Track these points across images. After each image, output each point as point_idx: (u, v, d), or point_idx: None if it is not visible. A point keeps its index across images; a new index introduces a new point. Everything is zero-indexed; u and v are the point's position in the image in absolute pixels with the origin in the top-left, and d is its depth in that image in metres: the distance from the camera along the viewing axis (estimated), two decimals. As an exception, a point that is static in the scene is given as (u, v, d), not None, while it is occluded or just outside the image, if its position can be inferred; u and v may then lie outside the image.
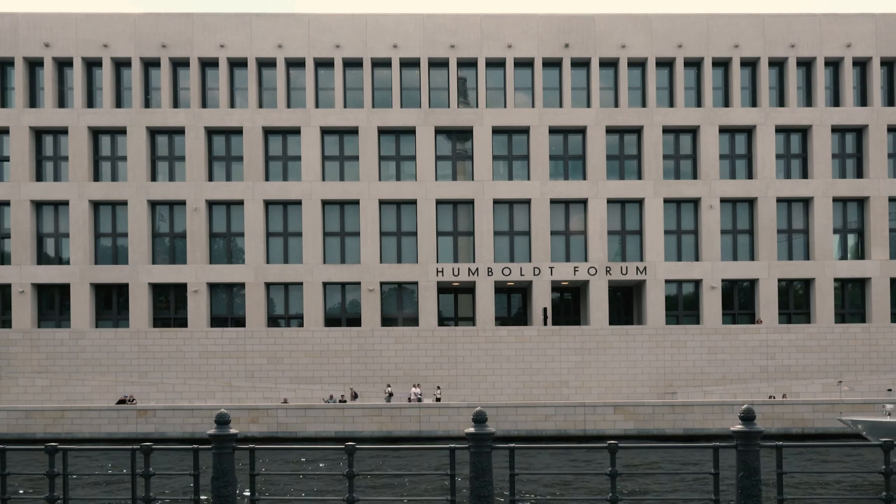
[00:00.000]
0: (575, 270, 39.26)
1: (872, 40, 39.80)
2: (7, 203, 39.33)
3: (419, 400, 35.11)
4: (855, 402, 32.00)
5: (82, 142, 39.18)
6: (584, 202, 40.00)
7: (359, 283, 39.60)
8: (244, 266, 39.46)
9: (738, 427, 7.63)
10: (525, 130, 40.14)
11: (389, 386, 36.34)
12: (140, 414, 32.80)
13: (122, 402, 35.05)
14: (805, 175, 40.47)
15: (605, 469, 7.90)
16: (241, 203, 39.72)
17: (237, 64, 40.12)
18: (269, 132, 40.24)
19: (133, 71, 39.46)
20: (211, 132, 40.20)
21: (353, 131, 39.99)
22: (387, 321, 40.06)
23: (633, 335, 38.03)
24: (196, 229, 39.33)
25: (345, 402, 35.16)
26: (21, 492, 18.73)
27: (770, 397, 35.04)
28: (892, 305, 39.75)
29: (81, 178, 39.13)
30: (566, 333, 38.08)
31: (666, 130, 40.21)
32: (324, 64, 40.21)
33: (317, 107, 40.17)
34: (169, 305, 40.50)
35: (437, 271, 39.23)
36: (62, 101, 40.10)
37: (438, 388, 36.49)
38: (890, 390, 24.98)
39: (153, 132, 40.12)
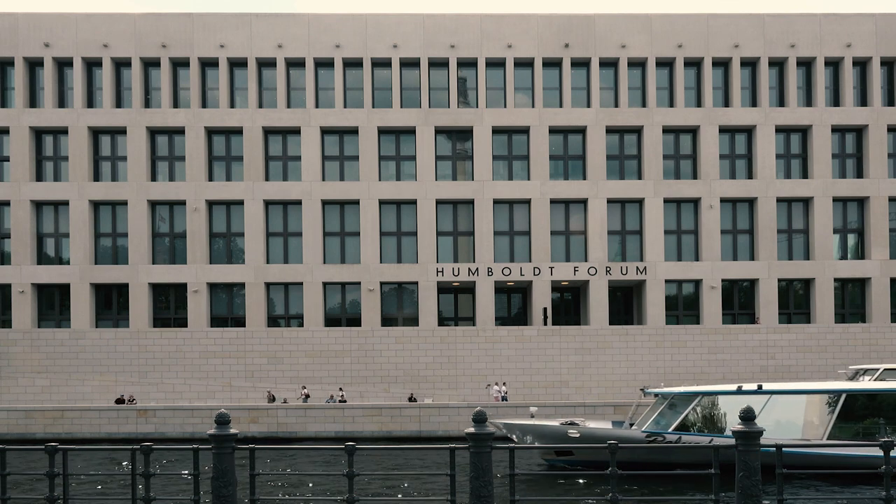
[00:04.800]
0: (575, 270, 39.26)
1: (872, 40, 39.79)
2: (7, 203, 39.32)
3: (504, 398, 35.00)
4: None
5: (82, 142, 39.18)
6: (584, 202, 39.99)
7: (359, 283, 39.59)
8: (244, 266, 39.45)
9: (738, 427, 7.64)
10: (525, 130, 40.13)
11: (305, 388, 36.16)
12: (140, 414, 32.80)
13: (119, 401, 35.02)
14: (805, 175, 40.47)
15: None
16: (241, 203, 39.71)
17: (237, 64, 40.12)
18: (269, 132, 40.24)
19: (133, 71, 39.46)
20: (211, 132, 40.20)
21: (353, 131, 39.99)
22: (387, 321, 40.05)
23: (633, 335, 38.03)
24: (196, 229, 39.32)
25: (344, 401, 35.15)
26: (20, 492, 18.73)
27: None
28: (892, 305, 39.75)
29: (81, 178, 39.13)
30: (566, 333, 38.08)
31: (666, 130, 40.20)
32: (324, 64, 40.20)
33: (317, 107, 40.16)
34: (169, 305, 40.50)
35: (437, 271, 39.22)
36: (62, 101, 40.10)
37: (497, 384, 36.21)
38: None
39: (153, 132, 40.12)
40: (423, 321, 39.01)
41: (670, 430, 23.14)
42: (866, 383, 25.11)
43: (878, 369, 25.97)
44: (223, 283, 40.04)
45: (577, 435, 23.52)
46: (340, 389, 36.19)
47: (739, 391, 23.45)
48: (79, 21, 39.18)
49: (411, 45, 39.57)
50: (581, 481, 21.57)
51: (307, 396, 35.47)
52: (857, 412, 23.15)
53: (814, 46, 39.77)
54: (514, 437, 25.61)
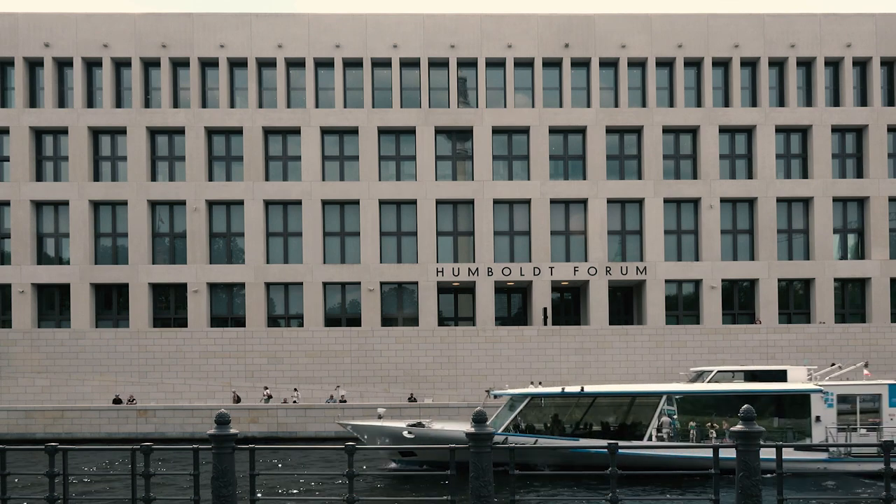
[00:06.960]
0: (575, 270, 39.25)
1: (872, 40, 39.78)
2: (7, 203, 39.31)
3: None
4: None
5: (82, 142, 39.17)
6: (584, 202, 39.98)
7: (359, 283, 39.58)
8: (244, 266, 39.44)
9: (738, 427, 7.63)
10: (525, 130, 40.13)
11: (267, 388, 36.15)
12: (140, 414, 32.80)
13: (116, 401, 34.93)
14: (805, 175, 40.46)
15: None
16: (241, 203, 39.70)
17: (237, 64, 40.11)
18: (269, 132, 40.23)
19: (133, 71, 39.45)
20: (211, 132, 40.18)
21: (353, 131, 39.98)
22: (387, 321, 40.04)
23: (633, 335, 38.02)
24: (196, 229, 39.31)
25: (345, 401, 35.12)
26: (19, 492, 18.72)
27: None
28: (892, 305, 39.74)
29: (81, 178, 39.12)
30: (566, 333, 38.07)
31: (666, 130, 40.19)
32: (324, 64, 40.19)
33: (317, 107, 40.15)
34: (169, 305, 40.49)
35: (437, 271, 39.21)
36: (62, 101, 40.09)
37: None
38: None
39: (153, 132, 40.11)
40: (423, 321, 39.00)
41: (499, 431, 23.32)
42: (686, 385, 25.51)
43: (712, 371, 26.59)
44: (223, 283, 40.03)
45: (412, 436, 23.71)
46: (295, 390, 35.99)
47: (563, 393, 23.84)
48: (79, 21, 39.17)
49: (411, 45, 39.56)
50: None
51: (269, 397, 35.43)
52: (682, 413, 23.63)
53: (814, 46, 39.76)
54: (362, 438, 25.64)
